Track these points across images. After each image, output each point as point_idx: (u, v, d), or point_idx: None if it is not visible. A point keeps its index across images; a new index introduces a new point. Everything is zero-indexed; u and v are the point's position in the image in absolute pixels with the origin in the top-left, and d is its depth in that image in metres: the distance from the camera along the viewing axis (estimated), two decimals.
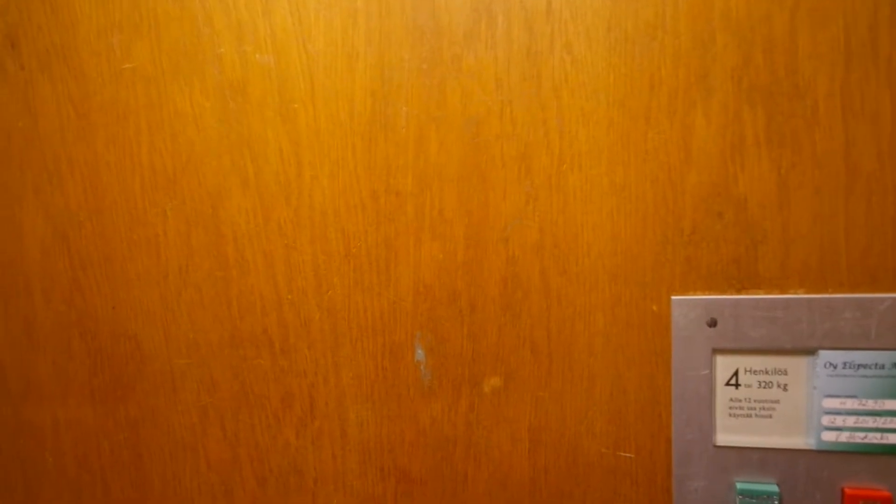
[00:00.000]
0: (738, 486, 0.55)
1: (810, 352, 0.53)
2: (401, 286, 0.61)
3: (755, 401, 0.55)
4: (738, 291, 0.54)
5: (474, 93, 0.57)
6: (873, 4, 0.49)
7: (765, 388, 0.54)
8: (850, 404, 0.52)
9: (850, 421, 0.52)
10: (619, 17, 0.54)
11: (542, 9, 0.55)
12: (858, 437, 0.52)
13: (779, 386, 0.54)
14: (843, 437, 0.53)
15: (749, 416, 0.55)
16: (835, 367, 0.52)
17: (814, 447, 0.53)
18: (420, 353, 0.62)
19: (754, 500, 0.54)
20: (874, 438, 0.52)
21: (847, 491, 0.53)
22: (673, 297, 0.55)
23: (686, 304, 0.55)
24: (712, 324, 0.54)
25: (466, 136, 0.58)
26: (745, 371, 0.54)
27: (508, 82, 0.57)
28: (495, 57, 0.57)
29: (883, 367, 0.51)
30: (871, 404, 0.52)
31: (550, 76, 0.56)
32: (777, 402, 0.54)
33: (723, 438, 0.56)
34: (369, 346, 0.63)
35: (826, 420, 0.53)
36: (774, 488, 0.54)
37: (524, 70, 0.56)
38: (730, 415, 0.55)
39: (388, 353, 0.62)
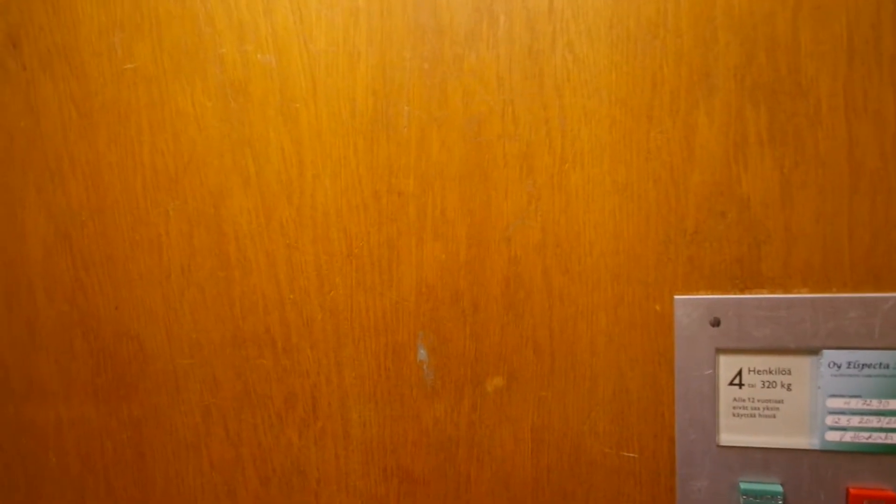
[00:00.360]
0: (742, 486, 0.55)
1: (814, 351, 0.53)
2: (403, 286, 0.61)
3: (759, 400, 0.54)
4: (742, 291, 0.54)
5: (476, 92, 0.57)
6: (876, 2, 0.49)
7: (768, 387, 0.54)
8: (855, 404, 0.52)
9: (855, 421, 0.52)
10: (620, 15, 0.53)
11: (543, 8, 0.55)
12: (863, 437, 0.52)
13: (782, 386, 0.54)
14: (848, 436, 0.52)
15: (753, 415, 0.55)
16: (839, 367, 0.52)
17: (818, 447, 0.53)
18: (423, 353, 0.62)
19: (758, 501, 0.54)
20: (878, 438, 0.52)
21: (852, 491, 0.52)
22: (676, 297, 0.55)
23: (689, 304, 0.55)
24: (715, 323, 0.54)
25: (468, 136, 0.58)
26: (749, 371, 0.54)
27: (510, 81, 0.56)
28: (497, 56, 0.56)
29: (887, 366, 0.51)
30: (875, 404, 0.52)
31: (552, 75, 0.56)
32: (781, 401, 0.54)
33: (726, 438, 0.55)
34: (372, 347, 0.63)
35: (830, 420, 0.53)
36: (778, 488, 0.54)
37: (526, 69, 0.56)
38: (733, 414, 0.55)
39: (391, 354, 0.62)
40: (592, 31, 0.54)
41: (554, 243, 0.57)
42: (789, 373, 0.53)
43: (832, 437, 0.53)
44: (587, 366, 0.58)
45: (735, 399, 0.55)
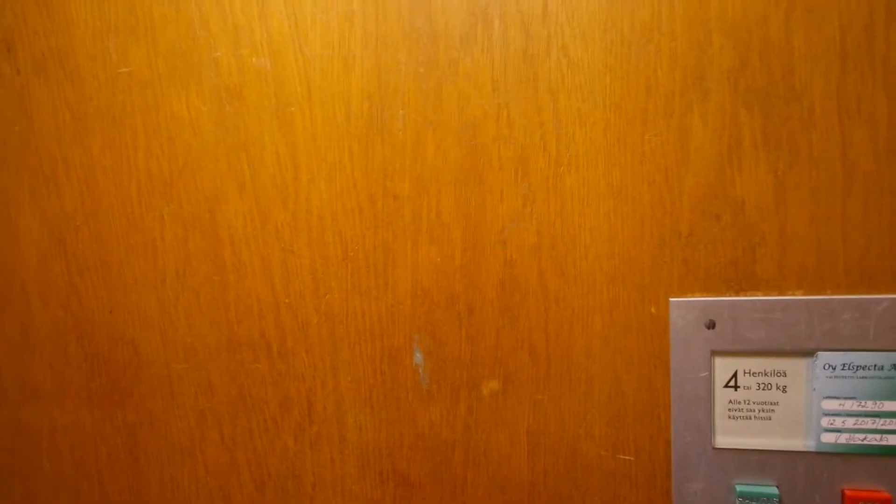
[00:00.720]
0: (738, 488, 0.55)
1: (809, 353, 0.53)
2: (398, 290, 0.61)
3: (754, 403, 0.54)
4: (737, 293, 0.54)
5: (471, 96, 0.57)
6: (868, 5, 0.49)
7: (764, 389, 0.54)
8: (850, 406, 0.52)
9: (850, 422, 0.52)
10: (615, 19, 0.54)
11: (538, 12, 0.55)
12: (858, 439, 0.52)
13: (778, 388, 0.54)
14: (843, 438, 0.53)
15: (748, 417, 0.55)
16: (834, 369, 0.52)
17: (813, 449, 0.53)
18: (418, 357, 0.61)
19: (754, 503, 0.54)
20: (874, 440, 0.52)
21: (847, 493, 0.53)
22: (671, 299, 0.55)
23: (684, 306, 0.55)
24: (711, 326, 0.54)
25: (463, 139, 0.58)
26: (744, 373, 0.54)
27: (505, 85, 0.57)
28: (492, 60, 0.57)
29: (882, 368, 0.51)
30: (870, 406, 0.52)
31: (547, 79, 0.56)
32: (776, 403, 0.54)
33: (722, 440, 0.55)
34: (367, 350, 0.63)
35: (825, 422, 0.53)
36: (774, 490, 0.54)
37: (521, 73, 0.56)
38: (729, 417, 0.55)
39: (387, 357, 0.62)
40: (587, 34, 0.54)
41: (549, 246, 0.57)
42: (784, 375, 0.54)
43: (827, 438, 0.53)
44: (583, 369, 0.58)
45: (730, 401, 0.55)
